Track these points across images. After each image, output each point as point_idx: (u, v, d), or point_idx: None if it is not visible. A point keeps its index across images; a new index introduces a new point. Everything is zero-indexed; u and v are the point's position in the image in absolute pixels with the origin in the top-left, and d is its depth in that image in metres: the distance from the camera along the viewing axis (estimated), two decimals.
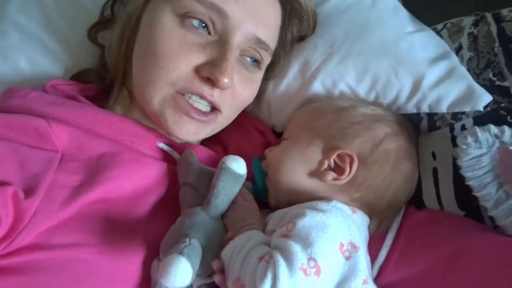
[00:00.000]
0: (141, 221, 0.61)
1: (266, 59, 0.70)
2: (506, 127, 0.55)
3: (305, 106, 0.70)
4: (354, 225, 0.55)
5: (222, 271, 0.55)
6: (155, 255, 0.58)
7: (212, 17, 0.62)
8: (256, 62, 0.68)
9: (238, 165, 0.59)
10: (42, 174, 0.57)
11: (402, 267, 0.59)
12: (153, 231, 0.60)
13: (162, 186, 0.64)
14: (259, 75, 0.71)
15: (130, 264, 0.58)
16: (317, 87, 0.70)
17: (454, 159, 0.65)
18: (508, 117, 0.63)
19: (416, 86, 0.66)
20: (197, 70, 0.63)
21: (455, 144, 0.65)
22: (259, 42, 0.66)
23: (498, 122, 0.57)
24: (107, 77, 0.73)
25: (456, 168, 0.64)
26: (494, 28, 0.69)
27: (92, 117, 0.65)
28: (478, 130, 0.56)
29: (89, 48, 0.79)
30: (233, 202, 0.61)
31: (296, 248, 0.49)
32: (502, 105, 0.64)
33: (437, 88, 0.65)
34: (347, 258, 0.52)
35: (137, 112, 0.71)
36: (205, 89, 0.63)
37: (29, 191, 0.55)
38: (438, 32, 0.74)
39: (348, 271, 0.51)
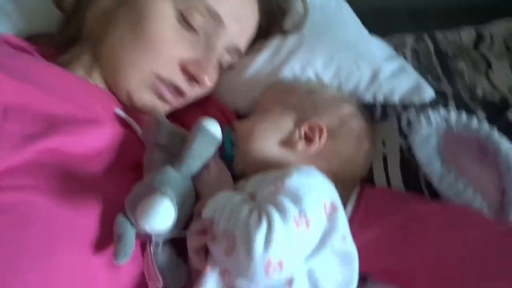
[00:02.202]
0: (97, 179, 0.59)
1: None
2: (452, 111, 0.65)
3: (275, 86, 0.75)
4: (334, 187, 0.58)
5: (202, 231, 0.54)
6: (112, 212, 0.56)
7: (208, 22, 0.67)
8: (229, 66, 0.75)
9: (214, 128, 0.61)
10: None
11: (362, 234, 0.63)
12: (109, 189, 0.58)
13: (118, 149, 0.64)
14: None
15: (86, 216, 0.55)
16: (287, 72, 0.75)
17: (401, 147, 0.73)
18: None
19: (374, 77, 0.74)
20: (182, 64, 0.67)
21: (401, 134, 0.74)
22: (237, 51, 0.74)
23: None
24: (68, 33, 0.71)
25: (402, 155, 0.73)
26: (431, 46, 0.83)
27: (48, 74, 0.62)
28: (430, 111, 0.65)
29: (45, 14, 0.76)
30: (205, 167, 0.61)
31: (287, 202, 0.51)
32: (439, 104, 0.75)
33: (391, 80, 0.74)
34: (328, 217, 0.54)
35: (98, 76, 0.71)
36: (184, 84, 0.69)
37: None
38: None
39: (329, 228, 0.53)
